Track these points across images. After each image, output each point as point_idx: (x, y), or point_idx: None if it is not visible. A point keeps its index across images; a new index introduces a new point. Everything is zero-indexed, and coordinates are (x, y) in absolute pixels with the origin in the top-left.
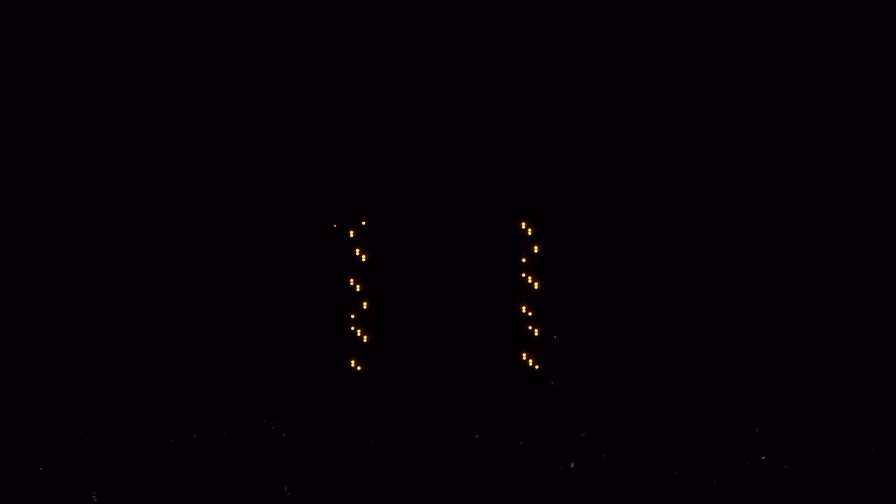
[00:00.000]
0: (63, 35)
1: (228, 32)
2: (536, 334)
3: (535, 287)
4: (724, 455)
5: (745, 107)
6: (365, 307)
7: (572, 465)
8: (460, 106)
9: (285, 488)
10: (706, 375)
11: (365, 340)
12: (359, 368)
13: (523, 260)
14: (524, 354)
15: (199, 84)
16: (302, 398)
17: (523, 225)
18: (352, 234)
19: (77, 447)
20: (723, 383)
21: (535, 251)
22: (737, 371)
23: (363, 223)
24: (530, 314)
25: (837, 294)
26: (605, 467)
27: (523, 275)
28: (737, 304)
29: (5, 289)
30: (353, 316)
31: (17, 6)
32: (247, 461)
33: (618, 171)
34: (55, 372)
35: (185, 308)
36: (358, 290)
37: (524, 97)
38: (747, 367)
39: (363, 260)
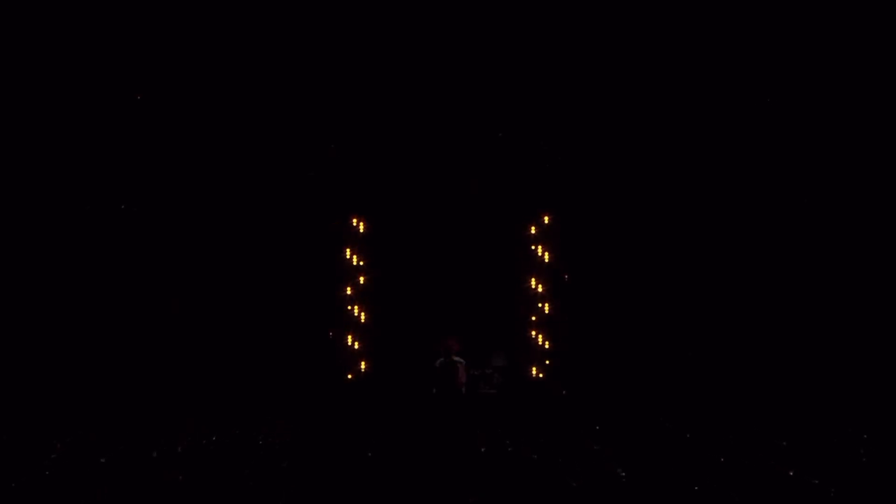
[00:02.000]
0: (63, 35)
1: (228, 32)
2: (547, 346)
3: (543, 294)
4: (743, 469)
5: (749, 114)
6: (363, 317)
7: (582, 480)
8: (462, 108)
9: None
10: (722, 385)
11: (363, 348)
12: (357, 377)
13: (528, 264)
14: (533, 368)
15: (202, 92)
16: (297, 408)
17: (532, 229)
18: (348, 235)
19: (74, 449)
20: (739, 392)
21: (543, 257)
22: (754, 381)
23: (361, 228)
24: (536, 319)
25: (850, 301)
26: (619, 482)
27: (531, 282)
28: (749, 311)
29: (5, 291)
30: (350, 323)
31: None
32: (238, 473)
33: (622, 177)
34: (53, 375)
35: (177, 318)
36: (355, 296)
37: (526, 99)
38: (764, 376)
39: (360, 265)
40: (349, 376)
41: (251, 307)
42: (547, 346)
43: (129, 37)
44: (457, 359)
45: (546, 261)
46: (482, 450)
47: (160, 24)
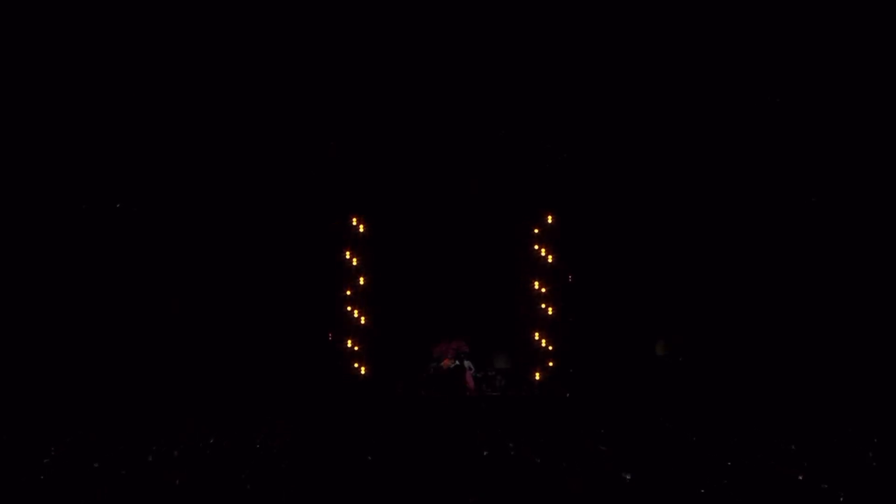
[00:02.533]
0: (64, 36)
1: (228, 32)
2: (549, 348)
3: (545, 296)
4: (751, 472)
5: (753, 114)
6: (363, 319)
7: (586, 483)
8: (463, 107)
9: None
10: (728, 387)
11: (363, 350)
12: (357, 379)
13: (531, 265)
14: (535, 370)
15: (201, 92)
16: (297, 410)
17: (535, 230)
18: (348, 236)
19: (72, 450)
20: (745, 394)
21: (546, 258)
22: (760, 382)
23: (361, 228)
24: (538, 321)
25: (858, 303)
26: (624, 485)
27: (533, 283)
28: (755, 311)
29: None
30: (349, 325)
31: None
32: (235, 476)
33: (626, 177)
34: (51, 375)
35: (177, 318)
36: (355, 298)
37: (528, 98)
38: (771, 377)
39: (361, 266)
40: (349, 378)
41: (250, 308)
42: (550, 348)
43: (128, 36)
44: (467, 363)
45: (549, 262)
46: (484, 453)
47: (160, 23)
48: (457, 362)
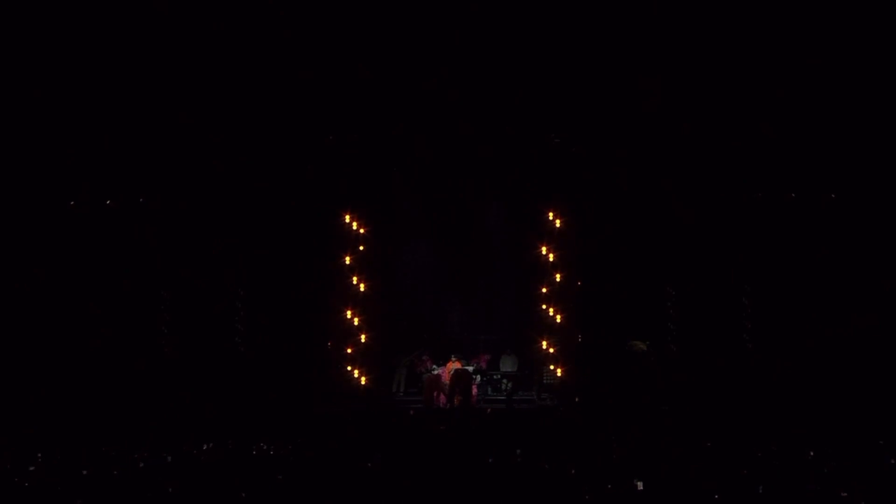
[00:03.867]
0: (65, 36)
1: (228, 32)
2: (552, 351)
3: (553, 298)
4: (765, 478)
5: (761, 116)
6: (363, 324)
7: (597, 491)
8: (467, 107)
9: None
10: (738, 391)
11: (363, 355)
12: (357, 384)
13: (537, 268)
14: (543, 373)
15: (198, 93)
16: (296, 416)
17: (541, 232)
18: (349, 239)
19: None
20: (755, 398)
21: (556, 260)
22: (772, 386)
23: (362, 231)
24: (546, 323)
25: (872, 304)
26: (636, 493)
27: (540, 286)
28: (762, 312)
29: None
30: (349, 330)
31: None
32: (229, 485)
33: (633, 179)
34: (49, 379)
35: (172, 322)
36: (356, 303)
37: (533, 98)
38: (785, 380)
39: (360, 271)
40: (348, 384)
41: (249, 312)
42: (557, 352)
43: (127, 34)
44: (477, 376)
45: (557, 264)
46: (489, 460)
47: (158, 21)
48: (468, 368)
